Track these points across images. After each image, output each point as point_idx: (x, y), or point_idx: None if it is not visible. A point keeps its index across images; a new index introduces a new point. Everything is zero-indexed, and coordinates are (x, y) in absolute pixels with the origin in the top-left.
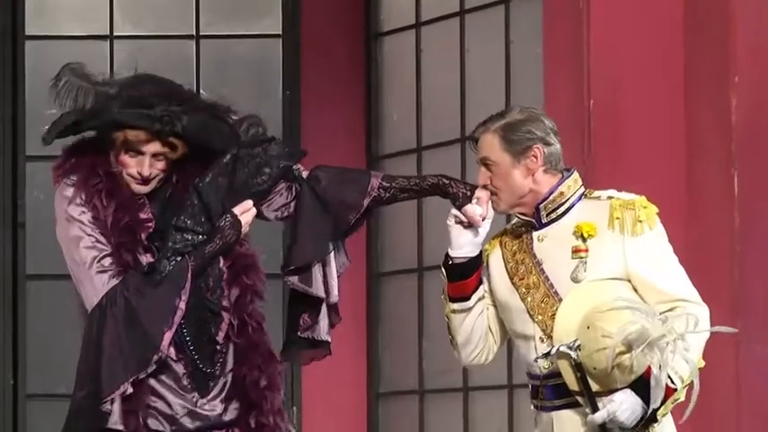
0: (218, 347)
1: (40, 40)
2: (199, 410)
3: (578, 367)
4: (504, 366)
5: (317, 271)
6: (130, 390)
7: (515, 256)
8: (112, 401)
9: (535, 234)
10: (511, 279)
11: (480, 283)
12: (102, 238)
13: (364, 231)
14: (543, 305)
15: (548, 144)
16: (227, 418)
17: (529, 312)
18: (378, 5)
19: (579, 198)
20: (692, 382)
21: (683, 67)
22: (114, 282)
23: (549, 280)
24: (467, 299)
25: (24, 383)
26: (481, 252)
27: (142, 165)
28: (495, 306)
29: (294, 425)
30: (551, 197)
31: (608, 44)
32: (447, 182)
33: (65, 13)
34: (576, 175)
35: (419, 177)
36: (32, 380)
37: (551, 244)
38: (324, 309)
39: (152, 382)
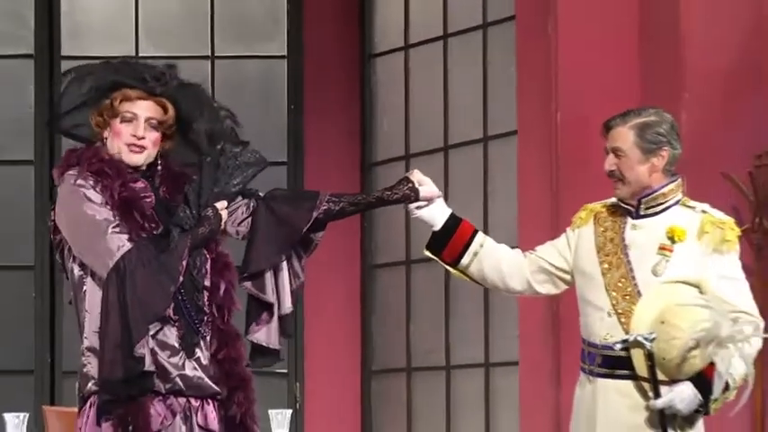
0: (206, 317)
1: (74, 60)
2: (188, 374)
3: (650, 356)
4: (481, 347)
5: (269, 279)
6: (151, 342)
7: (605, 233)
8: (143, 346)
9: (630, 221)
10: (597, 252)
11: (472, 239)
12: (111, 213)
13: (359, 228)
14: (620, 284)
15: (674, 148)
16: (211, 390)
17: (606, 287)
18: (371, 30)
19: (676, 203)
20: (745, 382)
21: (639, 85)
22: (128, 244)
23: (630, 264)
24: (464, 253)
25: (61, 362)
26: (453, 213)
27: (137, 128)
28: (548, 265)
29: (298, 398)
30: (654, 195)
31: (574, 64)
32: (389, 192)
33: (96, 35)
34: (679, 181)
35: (364, 194)
36: (68, 358)
37: (642, 235)
38: (275, 318)
39: (152, 343)
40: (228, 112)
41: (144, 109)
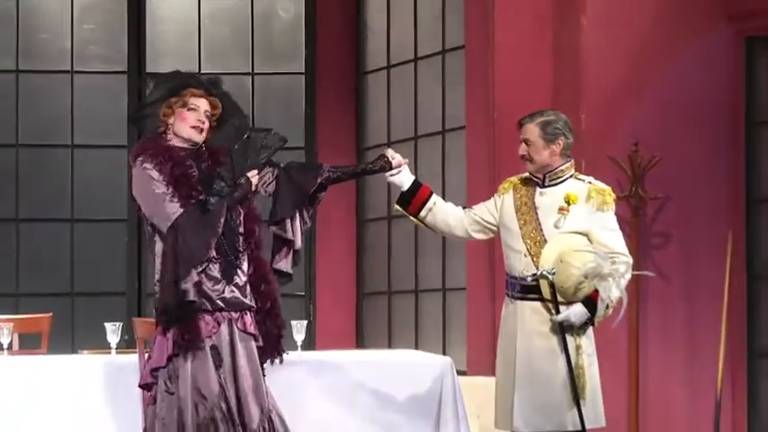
0: (240, 254)
1: (156, 75)
2: (227, 296)
3: (551, 285)
4: (440, 276)
5: (289, 224)
6: (196, 278)
7: (521, 198)
8: (187, 282)
9: (538, 190)
10: (516, 212)
11: (428, 198)
12: (167, 187)
13: (355, 194)
14: (532, 234)
15: (567, 138)
16: (248, 302)
17: (522, 236)
18: (364, 54)
19: (570, 176)
20: (620, 303)
21: (551, 93)
22: (180, 209)
23: (538, 220)
24: (422, 207)
25: (145, 286)
26: (416, 179)
27: (200, 116)
28: (481, 218)
29: (311, 313)
30: (555, 171)
31: (506, 80)
32: (371, 165)
33: (171, 55)
34: (572, 161)
35: (354, 165)
36: (149, 284)
37: (547, 200)
38: (291, 253)
39: (200, 277)
40: (245, 115)
41: (204, 104)
